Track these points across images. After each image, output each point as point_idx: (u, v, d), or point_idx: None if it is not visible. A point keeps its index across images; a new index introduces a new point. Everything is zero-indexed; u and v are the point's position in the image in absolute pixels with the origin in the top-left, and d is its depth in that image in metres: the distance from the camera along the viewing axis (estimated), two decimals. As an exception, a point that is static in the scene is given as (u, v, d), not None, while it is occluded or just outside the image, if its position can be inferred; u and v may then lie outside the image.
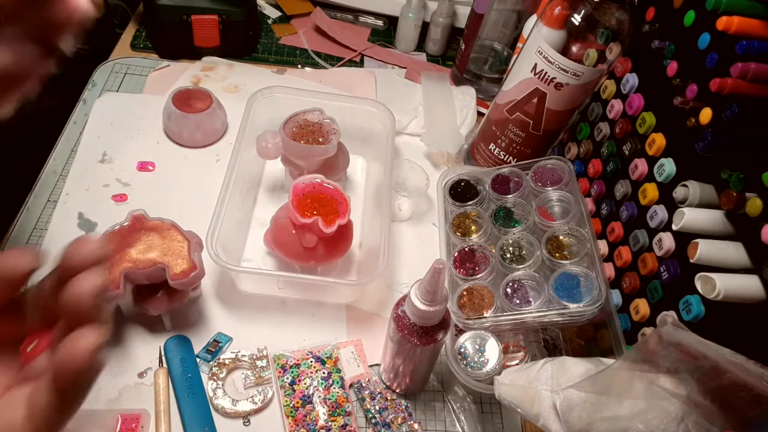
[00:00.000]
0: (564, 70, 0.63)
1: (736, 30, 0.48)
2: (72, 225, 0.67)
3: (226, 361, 0.58)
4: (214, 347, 0.59)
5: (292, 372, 0.58)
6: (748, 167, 0.47)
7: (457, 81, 0.94)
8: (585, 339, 0.64)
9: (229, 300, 0.64)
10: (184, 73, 0.86)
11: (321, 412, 0.55)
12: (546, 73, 0.65)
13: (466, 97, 0.88)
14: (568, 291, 0.56)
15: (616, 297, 0.61)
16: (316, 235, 0.60)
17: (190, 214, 0.63)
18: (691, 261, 0.50)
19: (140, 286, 0.56)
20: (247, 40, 0.92)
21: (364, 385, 0.59)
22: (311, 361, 0.59)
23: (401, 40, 0.99)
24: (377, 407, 0.57)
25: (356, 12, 1.03)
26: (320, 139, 0.67)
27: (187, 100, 0.75)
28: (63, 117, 0.78)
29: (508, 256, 0.62)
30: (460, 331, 0.58)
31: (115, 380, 0.56)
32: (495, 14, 0.88)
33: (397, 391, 0.59)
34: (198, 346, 0.59)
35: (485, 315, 0.58)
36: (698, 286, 0.49)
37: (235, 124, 0.77)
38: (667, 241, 0.54)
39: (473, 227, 0.67)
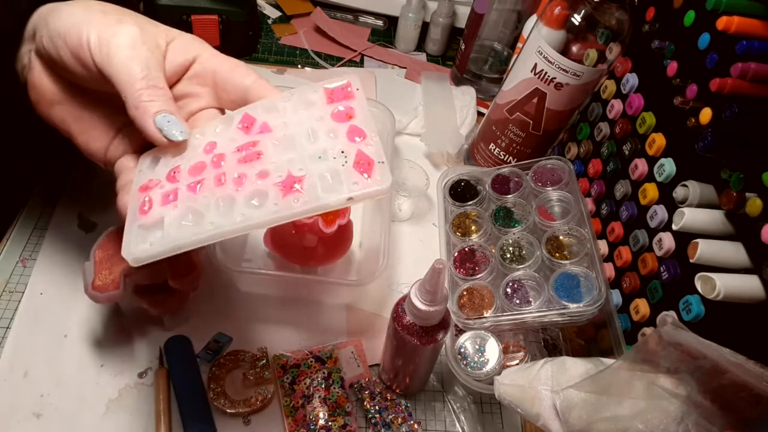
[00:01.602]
0: (564, 70, 0.63)
1: (736, 30, 0.48)
2: (72, 225, 0.67)
3: (226, 362, 0.58)
4: (214, 347, 0.59)
5: (292, 372, 0.58)
6: (748, 167, 0.47)
7: (457, 81, 0.94)
8: (585, 339, 0.64)
9: (229, 300, 0.64)
10: (184, 73, 0.86)
11: (321, 412, 0.55)
12: (546, 73, 0.65)
13: (466, 97, 0.88)
14: (568, 291, 0.56)
15: (616, 297, 0.61)
16: (316, 235, 0.60)
17: (190, 214, 0.63)
18: (691, 261, 0.50)
19: (140, 286, 0.56)
20: (247, 40, 0.92)
21: (364, 385, 0.59)
22: (311, 361, 0.59)
23: (401, 40, 0.99)
24: (377, 407, 0.57)
25: (356, 12, 1.03)
26: (320, 139, 0.67)
27: (187, 100, 0.75)
28: (63, 117, 0.78)
29: (508, 256, 0.62)
30: (460, 331, 0.58)
31: (115, 380, 0.56)
32: (495, 14, 0.88)
33: (397, 391, 0.59)
34: (198, 346, 0.59)
35: (485, 315, 0.58)
36: (698, 286, 0.49)
37: (235, 124, 0.77)
38: (667, 241, 0.54)
39: (473, 227, 0.67)
